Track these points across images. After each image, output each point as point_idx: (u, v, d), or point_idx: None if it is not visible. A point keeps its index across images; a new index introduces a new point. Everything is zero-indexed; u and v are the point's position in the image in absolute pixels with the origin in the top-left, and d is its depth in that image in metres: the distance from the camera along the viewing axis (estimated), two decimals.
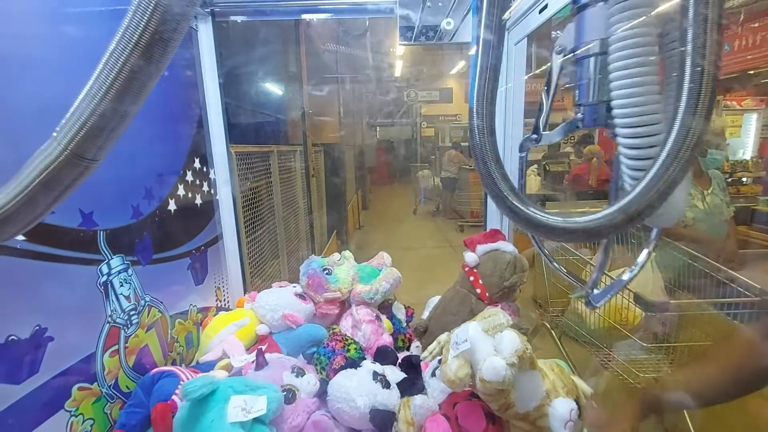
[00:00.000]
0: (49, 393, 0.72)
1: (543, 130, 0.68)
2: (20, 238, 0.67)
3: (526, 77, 1.41)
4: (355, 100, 7.97)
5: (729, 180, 4.36)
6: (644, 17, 0.37)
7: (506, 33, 1.35)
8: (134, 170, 0.98)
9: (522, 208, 0.43)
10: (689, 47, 0.32)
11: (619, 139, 0.42)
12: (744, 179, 4.52)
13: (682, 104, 0.33)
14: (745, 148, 5.77)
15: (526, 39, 1.27)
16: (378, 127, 10.75)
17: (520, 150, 0.75)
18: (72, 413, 0.77)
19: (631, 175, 0.43)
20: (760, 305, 1.37)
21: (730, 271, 1.68)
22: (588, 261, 2.10)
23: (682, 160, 0.34)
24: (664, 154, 0.35)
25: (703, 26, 0.31)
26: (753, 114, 6.26)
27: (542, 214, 0.42)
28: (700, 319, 1.62)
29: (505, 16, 1.11)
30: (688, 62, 0.32)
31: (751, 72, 5.13)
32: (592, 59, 0.49)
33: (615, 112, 0.42)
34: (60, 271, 0.75)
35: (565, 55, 0.56)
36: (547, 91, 0.64)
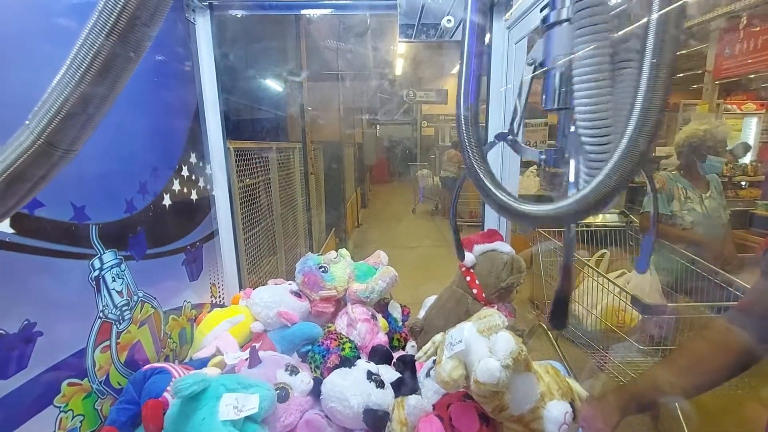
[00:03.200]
0: (38, 388, 0.71)
1: (516, 134, 0.77)
2: (9, 231, 0.66)
3: (527, 77, 1.39)
4: (355, 98, 7.94)
5: (727, 182, 4.36)
6: (602, 38, 0.45)
7: (507, 32, 1.34)
8: (128, 164, 0.97)
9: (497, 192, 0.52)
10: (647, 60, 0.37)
11: (583, 138, 0.48)
12: (743, 183, 4.52)
13: (638, 103, 0.38)
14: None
15: (527, 38, 1.26)
16: (378, 126, 10.73)
17: (495, 137, 0.82)
18: (61, 409, 0.76)
19: (587, 173, 0.49)
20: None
21: (727, 274, 1.67)
22: (586, 262, 2.09)
23: (633, 160, 0.38)
24: (616, 155, 0.39)
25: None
26: (753, 118, 6.26)
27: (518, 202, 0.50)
28: (697, 323, 1.62)
29: (507, 15, 1.14)
30: (646, 65, 0.37)
31: (752, 76, 5.13)
32: (557, 71, 0.55)
33: (577, 116, 0.48)
34: (50, 265, 0.74)
35: (534, 67, 0.62)
36: (519, 96, 0.73)
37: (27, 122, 0.26)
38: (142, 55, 0.29)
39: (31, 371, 0.70)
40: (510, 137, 0.77)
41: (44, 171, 0.27)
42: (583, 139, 0.47)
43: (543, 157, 0.67)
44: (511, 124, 0.75)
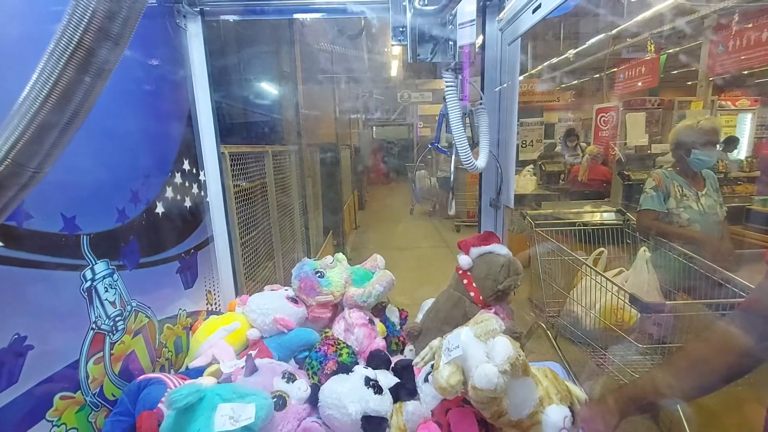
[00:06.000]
0: (29, 403, 0.70)
1: (437, 143, 1.32)
2: None
3: (521, 78, 1.40)
4: (351, 100, 7.94)
5: (723, 178, 4.38)
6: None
7: (500, 33, 1.34)
8: (120, 172, 0.96)
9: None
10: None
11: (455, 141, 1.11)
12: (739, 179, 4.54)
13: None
14: (740, 148, 5.80)
15: (519, 39, 1.26)
16: (374, 127, 10.72)
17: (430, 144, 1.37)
18: (54, 423, 0.75)
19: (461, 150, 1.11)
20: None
21: (725, 272, 1.67)
22: (584, 261, 2.09)
23: None
24: None
25: None
26: (747, 114, 6.30)
27: None
28: (696, 321, 1.62)
29: (499, 17, 1.28)
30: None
31: (746, 72, 5.16)
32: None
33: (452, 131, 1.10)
34: (41, 277, 0.73)
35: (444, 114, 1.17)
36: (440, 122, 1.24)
37: None
38: (111, 72, 0.28)
39: (22, 385, 0.68)
40: (435, 144, 1.32)
41: (14, 192, 0.26)
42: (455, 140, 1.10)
43: (436, 144, 1.32)
44: (437, 136, 1.30)
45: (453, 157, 1.20)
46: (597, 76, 8.37)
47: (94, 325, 0.85)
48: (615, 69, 7.31)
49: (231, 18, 1.40)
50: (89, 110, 0.28)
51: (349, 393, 0.88)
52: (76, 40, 0.24)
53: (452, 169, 1.31)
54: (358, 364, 1.06)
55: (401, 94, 8.45)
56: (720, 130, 2.21)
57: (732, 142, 5.25)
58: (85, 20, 0.24)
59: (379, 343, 1.21)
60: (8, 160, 0.25)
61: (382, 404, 0.89)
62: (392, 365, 1.09)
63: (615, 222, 2.51)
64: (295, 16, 1.40)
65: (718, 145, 2.20)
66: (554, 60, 7.16)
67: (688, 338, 1.61)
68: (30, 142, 0.24)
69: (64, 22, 0.24)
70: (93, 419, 0.84)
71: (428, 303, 1.33)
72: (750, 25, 4.73)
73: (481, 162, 1.18)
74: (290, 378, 0.96)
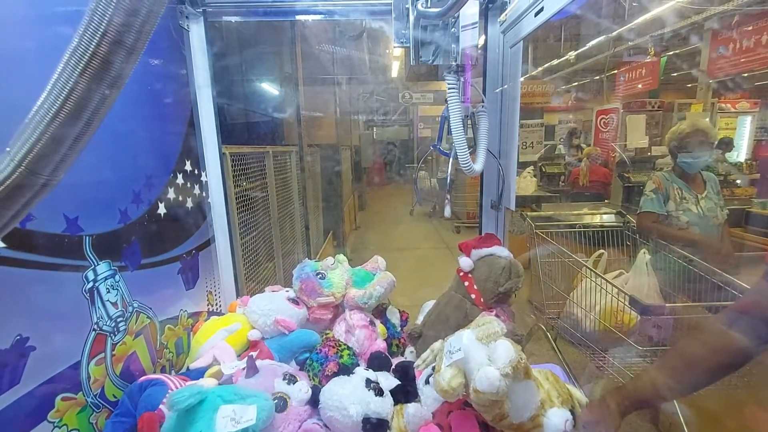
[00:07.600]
0: (31, 404, 0.70)
1: (439, 144, 1.35)
2: (0, 245, 0.65)
3: (522, 78, 1.40)
4: (352, 101, 7.95)
5: (722, 181, 4.38)
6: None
7: (502, 36, 1.34)
8: (122, 174, 0.96)
9: None
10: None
11: (454, 143, 1.13)
12: (738, 181, 4.54)
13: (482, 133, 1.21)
14: (740, 151, 5.81)
15: (521, 42, 1.26)
16: (375, 128, 10.72)
17: (432, 146, 1.41)
18: (55, 424, 0.75)
19: (460, 153, 1.12)
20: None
21: (725, 274, 1.67)
22: (584, 264, 2.09)
23: None
24: None
25: None
26: (747, 116, 6.31)
27: None
28: (696, 323, 1.62)
29: (501, 18, 1.31)
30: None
31: (746, 75, 5.16)
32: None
33: (453, 133, 1.12)
34: (43, 278, 0.73)
35: (445, 116, 1.19)
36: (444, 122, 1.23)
37: (7, 149, 0.25)
38: (125, 80, 0.28)
39: (24, 386, 0.69)
40: (437, 145, 1.36)
41: (27, 198, 0.26)
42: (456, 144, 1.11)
43: (432, 147, 1.39)
44: (439, 138, 1.33)
45: (451, 159, 1.21)
46: (597, 78, 8.37)
47: (95, 326, 0.85)
48: (615, 71, 7.32)
49: (233, 19, 1.40)
50: (102, 119, 0.28)
51: (350, 395, 0.88)
52: (91, 50, 0.25)
53: (449, 171, 1.30)
54: (358, 365, 1.06)
55: (403, 94, 8.45)
56: (710, 131, 2.19)
57: (727, 143, 5.27)
58: (101, 31, 0.24)
59: (380, 344, 1.21)
60: (22, 167, 0.25)
61: (383, 406, 0.89)
62: (393, 367, 1.09)
63: (615, 224, 2.52)
64: (298, 17, 1.40)
65: (709, 146, 2.19)
66: (555, 62, 7.16)
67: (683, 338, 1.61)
68: (44, 150, 0.25)
69: (80, 32, 0.24)
70: (94, 420, 0.84)
71: (429, 304, 1.33)
72: (750, 28, 4.74)
73: (478, 165, 1.18)
74: (291, 379, 0.96)
